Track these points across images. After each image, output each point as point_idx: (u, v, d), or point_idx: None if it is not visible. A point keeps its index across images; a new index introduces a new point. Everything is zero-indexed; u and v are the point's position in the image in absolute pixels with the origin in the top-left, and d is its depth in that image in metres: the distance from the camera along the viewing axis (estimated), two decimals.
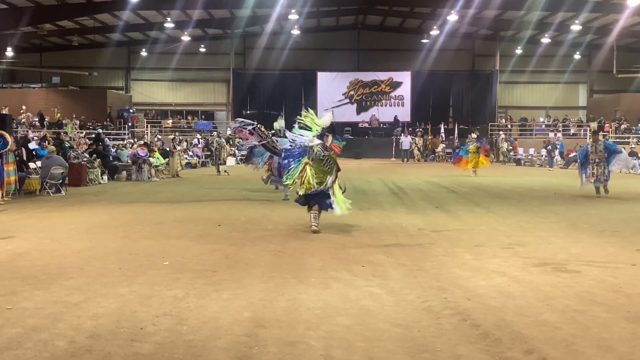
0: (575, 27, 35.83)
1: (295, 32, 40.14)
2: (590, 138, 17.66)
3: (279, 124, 16.99)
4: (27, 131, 31.19)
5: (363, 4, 37.90)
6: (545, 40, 40.11)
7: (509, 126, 43.57)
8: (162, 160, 25.99)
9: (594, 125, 18.96)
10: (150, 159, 24.26)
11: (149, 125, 40.98)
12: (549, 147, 34.36)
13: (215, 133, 36.21)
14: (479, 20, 38.55)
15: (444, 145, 40.90)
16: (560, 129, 41.27)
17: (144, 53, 43.70)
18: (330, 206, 10.87)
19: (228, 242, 9.76)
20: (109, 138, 31.73)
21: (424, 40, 42.54)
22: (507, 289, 6.86)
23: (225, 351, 4.95)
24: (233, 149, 35.77)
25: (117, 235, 10.48)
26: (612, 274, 7.58)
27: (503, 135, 40.81)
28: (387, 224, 11.85)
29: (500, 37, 41.98)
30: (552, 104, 45.19)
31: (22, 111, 35.27)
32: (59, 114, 38.57)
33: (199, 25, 39.32)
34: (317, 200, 10.87)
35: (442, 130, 42.21)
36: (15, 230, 10.95)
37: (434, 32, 40.22)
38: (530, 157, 37.38)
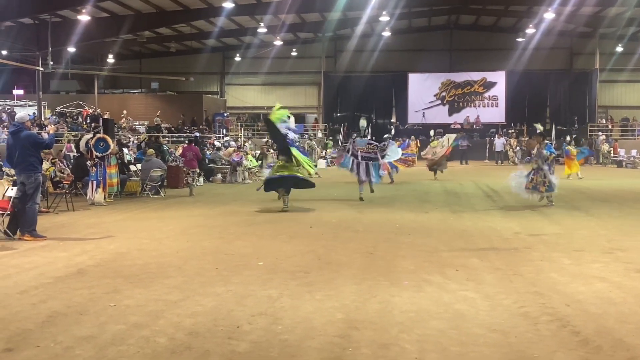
0: None
1: (386, 33, 39.94)
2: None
3: (362, 123, 17.81)
4: (128, 136, 32.40)
5: (456, 4, 37.33)
6: None
7: (610, 127, 41.79)
8: (255, 163, 26.48)
9: (539, 126, 17.17)
10: (244, 161, 24.78)
11: (242, 128, 41.85)
12: None
13: (306, 135, 36.57)
14: (576, 18, 37.18)
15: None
16: None
17: (237, 58, 44.62)
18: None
19: (320, 243, 9.85)
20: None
21: (519, 39, 41.42)
22: (608, 295, 6.62)
23: (319, 352, 5.00)
24: (324, 151, 36.04)
25: (213, 235, 10.77)
26: None
27: (603, 137, 39.18)
28: (480, 227, 11.64)
29: (599, 34, 40.34)
30: None
31: (122, 115, 36.67)
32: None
33: (290, 30, 39.77)
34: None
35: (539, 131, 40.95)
36: (117, 230, 11.44)
37: (530, 31, 39.09)
38: (632, 158, 35.72)
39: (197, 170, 19.73)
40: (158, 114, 38.56)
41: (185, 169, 19.25)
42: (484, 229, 11.35)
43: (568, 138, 26.71)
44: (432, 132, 26.28)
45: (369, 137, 18.09)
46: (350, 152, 16.96)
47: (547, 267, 8.06)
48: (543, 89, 44.17)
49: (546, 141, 15.35)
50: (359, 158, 16.59)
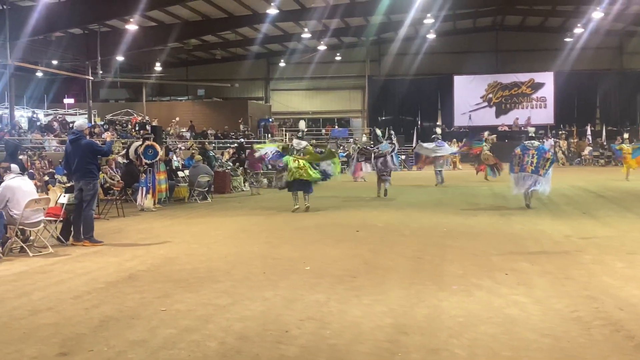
0: None
1: (431, 36, 39.69)
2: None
3: (378, 132, 20.34)
4: (176, 142, 32.80)
5: (502, 5, 36.91)
6: None
7: None
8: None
9: (530, 129, 17.31)
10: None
11: (287, 133, 42.05)
12: None
13: (351, 140, 36.54)
14: (624, 16, 36.29)
15: (590, 148, 38.90)
16: None
17: (282, 63, 44.90)
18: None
19: (366, 247, 9.82)
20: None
21: (567, 39, 40.66)
22: None
23: (368, 356, 4.99)
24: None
25: (260, 240, 10.84)
26: None
27: None
28: (530, 230, 11.45)
29: None
30: None
31: (173, 121, 37.13)
32: None
33: (334, 34, 39.86)
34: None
35: (589, 132, 40.18)
36: (166, 235, 11.60)
37: (578, 30, 38.33)
38: None
39: (261, 172, 21.53)
40: (241, 120, 39.39)
41: (249, 171, 21.55)
42: (533, 232, 11.17)
43: (619, 139, 26.11)
44: (486, 134, 25.99)
45: (391, 138, 19.18)
46: (369, 158, 18.64)
47: (600, 270, 7.89)
48: (592, 89, 43.34)
49: (528, 142, 15.34)
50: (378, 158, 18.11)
